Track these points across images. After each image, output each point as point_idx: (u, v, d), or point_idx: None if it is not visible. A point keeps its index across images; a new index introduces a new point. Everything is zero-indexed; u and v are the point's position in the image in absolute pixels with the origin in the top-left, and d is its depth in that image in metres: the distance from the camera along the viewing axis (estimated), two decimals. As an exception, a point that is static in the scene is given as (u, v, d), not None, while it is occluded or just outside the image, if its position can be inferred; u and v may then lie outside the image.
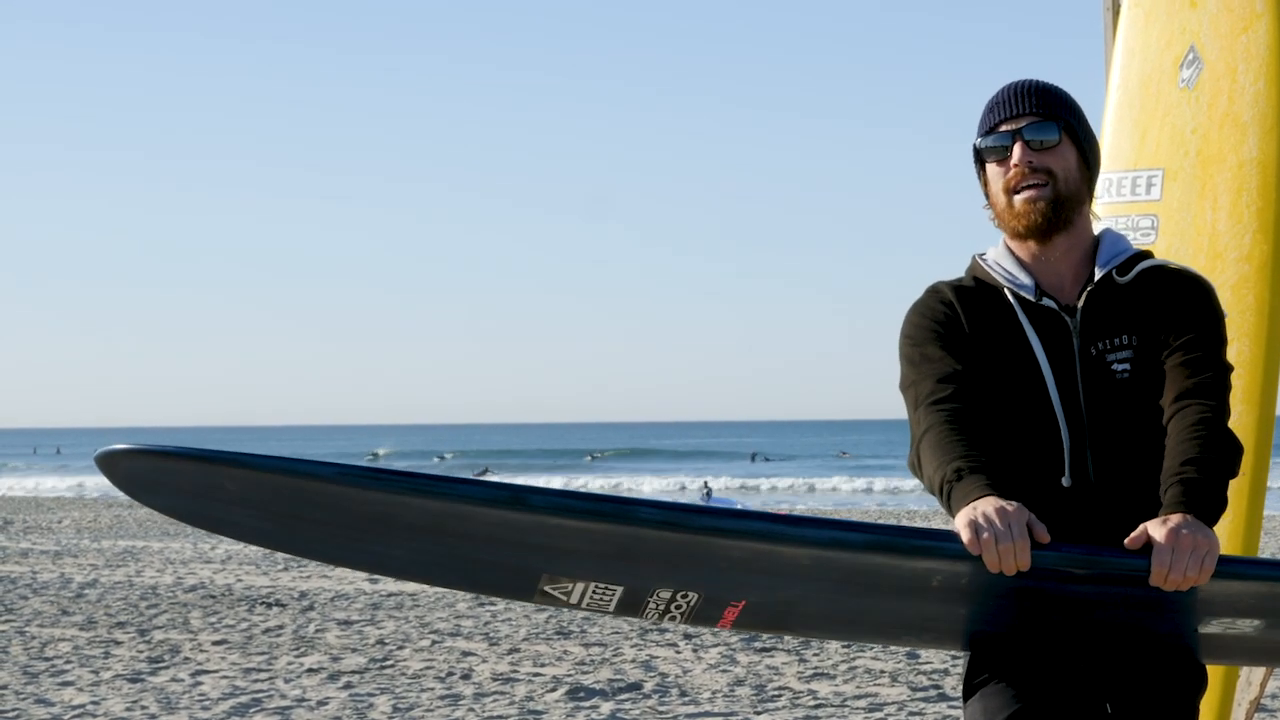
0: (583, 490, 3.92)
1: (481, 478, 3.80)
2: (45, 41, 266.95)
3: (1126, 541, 3.59)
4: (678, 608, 3.78)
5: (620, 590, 3.77)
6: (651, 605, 3.79)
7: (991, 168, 3.89)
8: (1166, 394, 3.78)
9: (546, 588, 3.79)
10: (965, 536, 3.53)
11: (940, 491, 3.65)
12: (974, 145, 3.92)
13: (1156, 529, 3.57)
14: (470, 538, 3.72)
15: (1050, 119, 3.86)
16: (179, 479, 3.75)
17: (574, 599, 3.80)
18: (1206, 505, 3.62)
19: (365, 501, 3.68)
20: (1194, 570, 3.53)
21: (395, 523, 3.72)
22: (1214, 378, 3.79)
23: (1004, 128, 3.87)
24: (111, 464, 3.75)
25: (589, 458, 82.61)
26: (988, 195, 3.93)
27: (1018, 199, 3.85)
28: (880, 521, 3.59)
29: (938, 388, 3.78)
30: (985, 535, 3.51)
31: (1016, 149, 3.84)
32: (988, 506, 3.55)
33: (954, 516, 3.61)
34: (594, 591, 3.77)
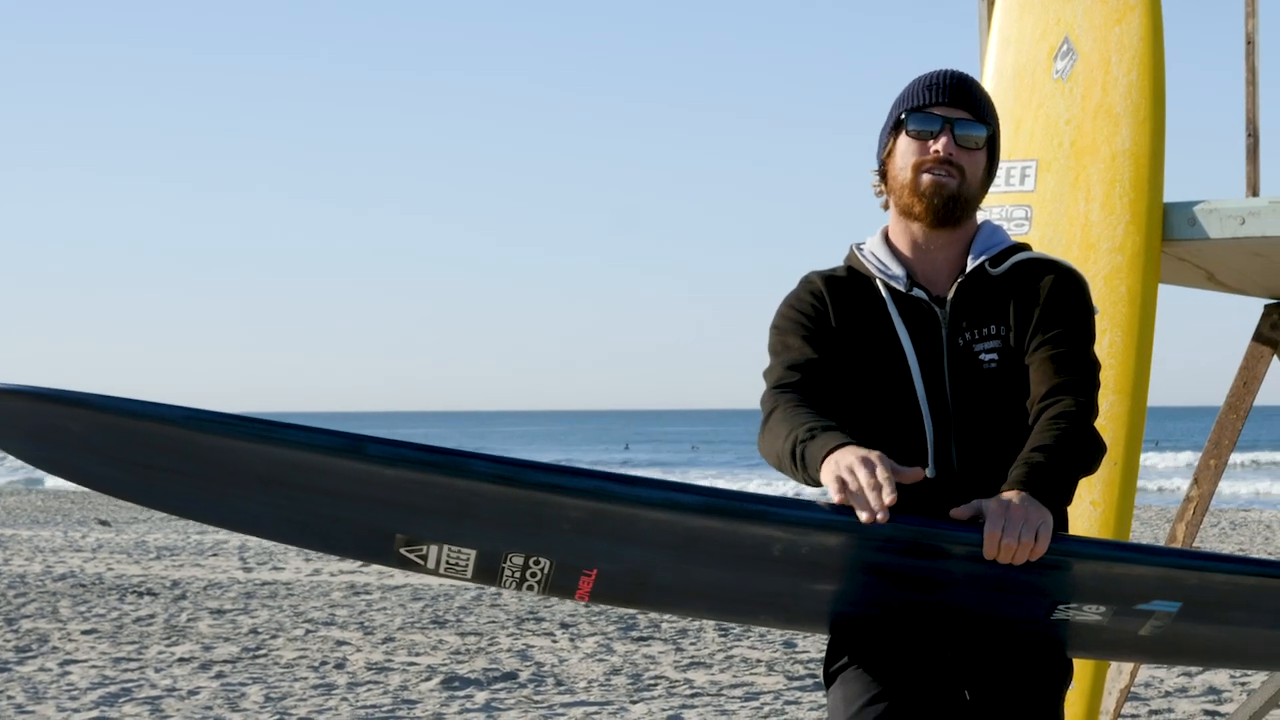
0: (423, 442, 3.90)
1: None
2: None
3: (953, 512, 3.60)
4: (533, 575, 3.76)
5: (473, 554, 3.74)
6: (507, 572, 3.76)
7: (907, 141, 3.88)
8: (1034, 389, 3.79)
9: (402, 550, 3.75)
10: (833, 488, 3.54)
11: (793, 455, 3.65)
12: (899, 114, 3.90)
13: (989, 501, 3.59)
14: (315, 489, 3.67)
15: (982, 122, 3.89)
16: (23, 419, 3.64)
17: (430, 563, 3.76)
18: (1046, 488, 3.62)
19: (208, 448, 3.60)
20: (1027, 538, 3.53)
21: (238, 470, 3.65)
22: (1082, 375, 3.80)
23: (936, 111, 3.87)
24: None
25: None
26: (887, 164, 3.92)
27: (925, 177, 3.85)
28: (717, 486, 3.59)
29: (786, 374, 3.81)
30: (853, 485, 3.52)
31: (943, 137, 3.85)
32: (850, 458, 3.55)
33: (810, 476, 3.60)
34: (449, 555, 3.74)
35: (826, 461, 3.57)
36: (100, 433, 3.62)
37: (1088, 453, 3.74)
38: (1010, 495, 3.59)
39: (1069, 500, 3.73)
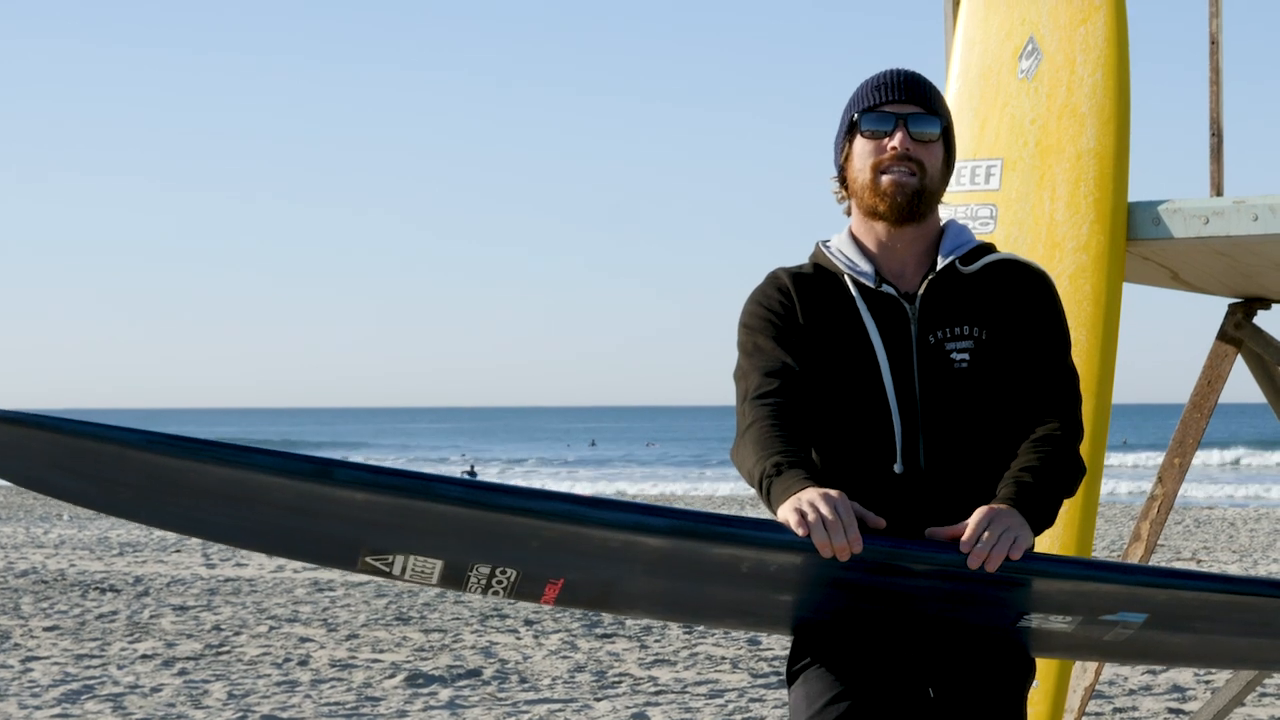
0: (390, 466, 3.94)
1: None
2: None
3: (929, 531, 3.63)
4: (499, 583, 3.76)
5: (440, 564, 3.75)
6: (473, 580, 3.77)
7: (863, 143, 3.89)
8: (1021, 400, 3.80)
9: (368, 559, 3.76)
10: (793, 522, 3.53)
11: (760, 485, 3.67)
12: (852, 117, 3.92)
13: (974, 513, 3.62)
14: (281, 507, 3.69)
15: (934, 115, 3.90)
16: None
17: (396, 570, 3.78)
18: (1031, 507, 3.67)
19: (171, 468, 3.62)
20: (1002, 547, 3.56)
21: (203, 490, 3.67)
22: (1068, 392, 3.85)
23: (888, 109, 3.89)
24: None
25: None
26: (845, 169, 3.92)
27: (885, 178, 3.86)
28: (686, 508, 3.61)
29: (764, 381, 3.79)
30: (812, 518, 3.51)
31: (898, 134, 3.86)
32: (811, 495, 3.56)
33: (775, 510, 3.61)
34: (414, 564, 3.75)
35: (788, 500, 3.58)
36: (62, 452, 3.65)
37: (1071, 478, 3.79)
38: (997, 506, 3.63)
39: (1050, 523, 3.76)
